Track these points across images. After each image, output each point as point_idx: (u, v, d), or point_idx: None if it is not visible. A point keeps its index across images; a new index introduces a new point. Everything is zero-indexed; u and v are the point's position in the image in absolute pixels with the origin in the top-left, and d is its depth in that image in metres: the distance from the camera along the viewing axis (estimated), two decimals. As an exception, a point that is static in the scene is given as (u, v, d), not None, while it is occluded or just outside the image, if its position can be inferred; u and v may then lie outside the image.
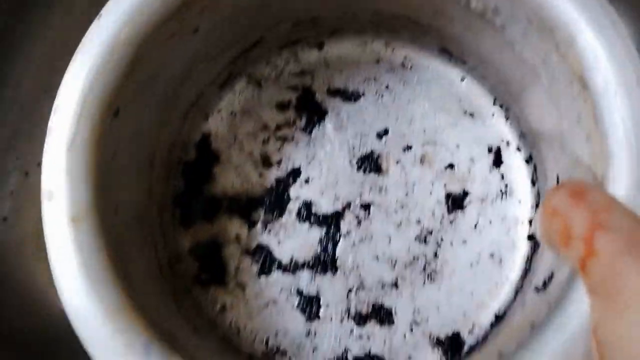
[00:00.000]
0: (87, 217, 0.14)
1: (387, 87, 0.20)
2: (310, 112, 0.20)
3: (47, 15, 0.19)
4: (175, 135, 0.19)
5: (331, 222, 0.20)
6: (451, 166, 0.20)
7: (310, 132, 0.20)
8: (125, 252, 0.15)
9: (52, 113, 0.14)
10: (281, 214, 0.20)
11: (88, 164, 0.14)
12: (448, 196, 0.19)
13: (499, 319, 0.18)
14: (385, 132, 0.20)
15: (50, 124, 0.14)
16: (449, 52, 0.20)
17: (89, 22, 0.14)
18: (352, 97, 0.20)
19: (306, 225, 0.20)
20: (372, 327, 0.19)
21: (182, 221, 0.19)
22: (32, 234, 0.19)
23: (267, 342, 0.19)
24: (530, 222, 0.19)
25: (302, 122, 0.20)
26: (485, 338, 0.18)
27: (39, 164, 0.14)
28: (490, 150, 0.20)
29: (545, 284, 0.16)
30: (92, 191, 0.14)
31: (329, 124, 0.20)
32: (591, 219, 0.10)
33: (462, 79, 0.20)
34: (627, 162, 0.12)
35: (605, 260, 0.09)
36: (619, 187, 0.12)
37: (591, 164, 0.14)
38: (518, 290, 0.19)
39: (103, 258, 0.14)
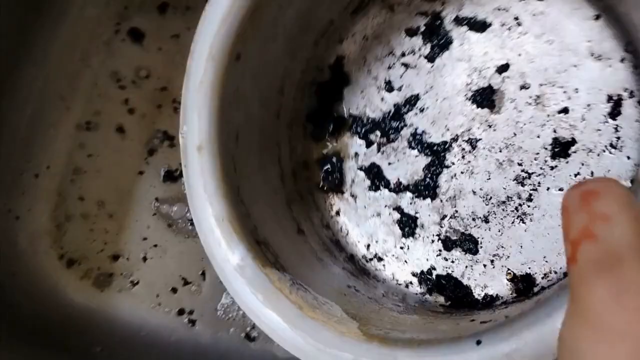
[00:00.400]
0: (208, 146, 0.19)
1: (516, 19, 0.23)
2: (436, 40, 0.23)
3: (58, 24, 0.20)
4: (308, 59, 0.23)
5: (438, 151, 0.24)
6: (565, 110, 0.23)
7: (433, 61, 0.24)
8: (242, 171, 0.21)
9: (189, 57, 0.19)
10: (395, 138, 0.24)
11: (211, 102, 0.19)
12: (555, 141, 0.23)
13: None
14: (505, 67, 0.23)
15: (187, 66, 0.19)
16: (591, -11, 0.21)
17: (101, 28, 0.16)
18: (479, 27, 0.23)
19: (415, 151, 0.24)
20: (457, 252, 0.25)
21: (313, 135, 0.24)
22: (42, 231, 0.20)
23: (368, 247, 0.25)
24: (632, 181, 0.22)
25: (427, 50, 0.24)
26: (557, 284, 0.23)
27: (49, 167, 0.17)
28: (610, 99, 0.23)
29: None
30: (214, 124, 0.19)
31: (452, 54, 0.24)
32: (586, 225, 0.10)
33: (597, 17, 0.22)
34: None
35: (579, 271, 0.09)
36: None
37: None
38: None
39: (217, 177, 0.20)
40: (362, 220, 0.27)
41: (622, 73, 0.23)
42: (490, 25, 0.24)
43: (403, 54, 0.25)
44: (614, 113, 0.24)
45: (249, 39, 0.19)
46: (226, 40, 0.18)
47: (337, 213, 0.26)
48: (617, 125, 0.24)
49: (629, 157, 0.24)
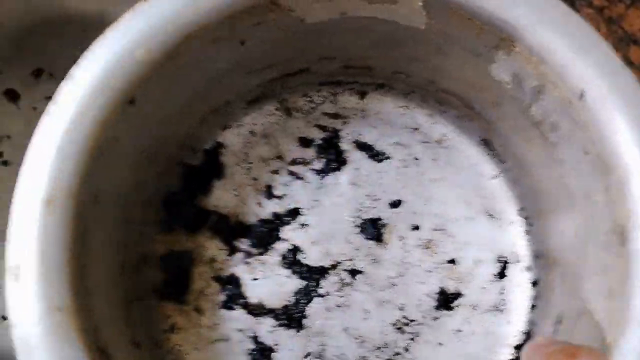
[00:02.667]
0: (62, 202, 0.24)
1: (415, 158, 0.37)
2: (330, 157, 0.37)
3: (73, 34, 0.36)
4: (187, 135, 0.35)
5: (313, 277, 0.35)
6: (453, 261, 0.36)
7: (323, 178, 0.37)
8: (92, 245, 0.27)
9: (63, 82, 0.26)
10: (265, 251, 0.35)
11: (85, 143, 0.25)
12: (441, 291, 0.35)
13: None
14: (398, 203, 0.36)
15: (56, 94, 0.26)
16: (491, 146, 0.37)
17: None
18: (377, 156, 0.37)
19: (287, 271, 0.35)
20: None
21: (163, 224, 0.35)
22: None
23: None
24: (516, 347, 0.34)
25: (319, 165, 0.37)
26: None
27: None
28: (498, 259, 0.36)
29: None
30: (78, 175, 0.25)
31: (345, 176, 0.37)
32: None
33: (495, 177, 0.37)
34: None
35: None
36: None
37: (602, 321, 0.25)
38: None
39: (64, 247, 0.24)
40: (203, 344, 0.35)
41: (513, 235, 0.37)
42: (388, 158, 0.37)
43: (293, 162, 0.37)
44: (502, 274, 0.37)
45: (151, 85, 0.26)
46: (126, 76, 0.25)
47: (172, 329, 0.34)
48: (503, 287, 0.37)
49: (510, 322, 0.36)
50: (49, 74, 0.36)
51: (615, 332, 0.24)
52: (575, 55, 0.25)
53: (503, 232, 0.35)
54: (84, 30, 0.35)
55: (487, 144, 0.35)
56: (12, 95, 0.35)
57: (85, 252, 0.26)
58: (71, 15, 0.34)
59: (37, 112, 0.34)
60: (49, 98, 0.30)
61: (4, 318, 0.32)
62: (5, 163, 0.35)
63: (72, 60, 0.32)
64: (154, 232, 0.34)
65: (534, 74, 0.27)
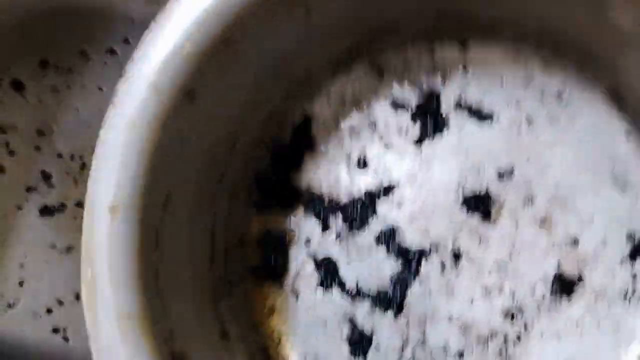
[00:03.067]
0: (126, 208, 0.26)
1: (528, 117, 0.35)
2: (428, 121, 0.36)
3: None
4: (271, 113, 0.36)
5: (412, 258, 0.35)
6: (575, 241, 0.34)
7: (421, 146, 0.36)
8: (167, 247, 0.28)
9: (121, 81, 0.27)
10: (361, 231, 0.36)
11: (143, 147, 0.26)
12: (558, 276, 0.34)
13: None
14: (510, 172, 0.35)
15: (114, 94, 0.27)
16: (622, 98, 0.33)
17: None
18: (484, 117, 0.35)
19: (383, 252, 0.36)
20: None
21: (257, 205, 0.37)
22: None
23: None
24: None
25: (416, 132, 0.36)
26: None
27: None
28: (630, 237, 0.33)
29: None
30: (140, 179, 0.26)
31: (446, 143, 0.36)
32: None
33: (628, 137, 0.34)
34: None
35: None
36: None
37: None
38: None
39: (132, 253, 0.26)
40: (302, 327, 0.36)
41: None
42: (497, 118, 0.35)
43: (386, 130, 0.37)
44: (634, 256, 0.34)
45: (210, 75, 0.27)
46: (181, 69, 0.26)
47: (271, 311, 0.37)
48: (636, 272, 0.34)
49: None
50: (55, 65, 0.38)
51: None
52: None
53: (638, 206, 0.32)
54: (91, 22, 0.36)
55: (616, 97, 0.32)
56: (18, 86, 0.38)
57: (158, 255, 0.28)
58: (78, 6, 0.36)
59: (42, 104, 0.37)
60: (55, 89, 0.34)
61: (10, 306, 0.37)
62: (11, 153, 0.38)
63: (78, 51, 0.35)
64: (248, 214, 0.36)
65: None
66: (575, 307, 0.31)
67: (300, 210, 0.35)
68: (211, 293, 0.32)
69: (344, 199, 0.34)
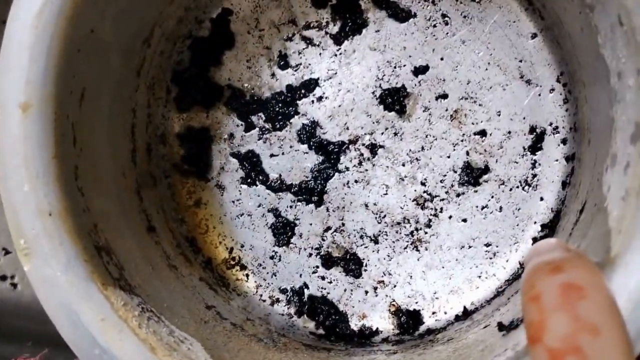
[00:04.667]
0: (40, 105, 0.25)
1: (444, 15, 0.35)
2: (348, 18, 0.36)
3: None
4: (187, 7, 0.35)
5: (332, 152, 0.36)
6: (483, 133, 0.35)
7: (341, 43, 0.36)
8: (84, 145, 0.28)
9: None
10: (282, 126, 0.36)
11: (52, 43, 0.24)
12: (467, 165, 0.35)
13: (467, 313, 0.36)
14: (424, 69, 0.35)
15: None
16: (530, 1, 0.34)
17: None
18: (401, 15, 0.35)
19: (305, 146, 0.36)
20: (337, 272, 0.36)
21: (178, 101, 0.36)
22: None
23: (230, 251, 0.37)
24: (542, 238, 0.35)
25: (335, 28, 0.36)
26: (445, 328, 0.36)
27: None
28: (533, 130, 0.35)
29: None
30: (53, 76, 0.25)
31: (364, 40, 0.36)
32: (571, 334, 0.16)
33: (534, 36, 0.35)
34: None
35: None
36: (627, 280, 0.22)
37: (613, 228, 0.24)
38: (499, 293, 0.36)
39: (48, 151, 0.25)
40: (228, 218, 0.38)
41: (550, 105, 0.35)
42: (414, 16, 0.35)
43: (307, 26, 0.34)
44: (535, 147, 0.35)
45: None
46: None
47: (197, 204, 0.37)
48: (535, 160, 0.36)
49: (542, 198, 0.36)
50: None
51: (622, 242, 0.24)
52: None
53: (540, 101, 0.34)
54: None
55: (526, 0, 0.32)
56: None
57: (76, 152, 0.27)
58: None
59: None
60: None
61: (3, 278, 0.38)
62: None
63: None
64: (170, 111, 0.35)
65: None
66: (481, 194, 0.33)
67: (221, 107, 0.34)
68: (135, 188, 0.32)
69: (265, 94, 0.34)
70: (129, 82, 0.32)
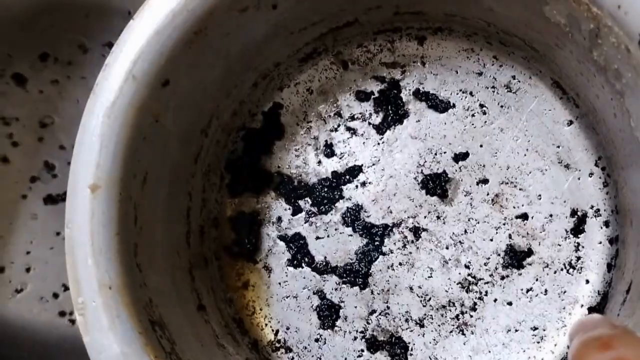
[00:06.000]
0: (107, 186, 0.27)
1: (482, 105, 0.36)
2: (390, 110, 0.38)
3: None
4: (242, 101, 0.37)
5: (376, 235, 0.37)
6: (524, 216, 0.35)
7: (383, 133, 0.37)
8: (143, 224, 0.30)
9: (102, 71, 0.28)
10: (328, 210, 0.37)
11: (122, 130, 0.27)
12: (510, 248, 0.35)
13: None
14: (465, 156, 0.36)
15: (96, 83, 0.28)
16: (563, 89, 0.35)
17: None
18: (440, 106, 0.37)
19: (349, 230, 0.37)
20: (382, 357, 0.36)
21: (230, 187, 0.38)
22: None
23: (276, 333, 0.37)
24: (590, 309, 0.34)
25: (378, 119, 0.38)
26: None
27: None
28: (574, 213, 0.35)
29: None
30: (120, 159, 0.27)
31: (406, 129, 0.37)
32: None
33: (570, 123, 0.36)
34: None
35: None
36: None
37: None
38: None
39: (112, 229, 0.27)
40: (274, 300, 0.38)
41: (590, 188, 0.35)
42: (453, 106, 0.36)
43: (351, 118, 0.37)
44: (577, 230, 0.36)
45: (183, 63, 0.29)
46: (156, 59, 0.28)
47: (245, 286, 0.38)
48: (578, 243, 0.36)
49: (587, 281, 0.35)
50: (54, 58, 0.39)
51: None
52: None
53: (580, 184, 0.34)
54: (87, 16, 0.38)
55: (559, 87, 0.34)
56: (20, 79, 0.38)
57: (137, 230, 0.29)
58: (77, 1, 0.37)
59: (43, 95, 0.38)
60: (54, 81, 0.34)
61: (18, 291, 0.38)
62: (15, 144, 0.39)
63: (76, 44, 0.36)
64: (222, 196, 0.37)
65: (587, 17, 0.25)
66: (525, 276, 0.33)
67: (271, 192, 0.36)
68: (187, 268, 0.33)
69: (312, 180, 0.35)
70: (187, 168, 0.33)
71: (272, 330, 0.36)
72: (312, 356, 0.36)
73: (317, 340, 0.36)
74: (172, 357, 0.28)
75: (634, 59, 0.24)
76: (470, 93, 0.36)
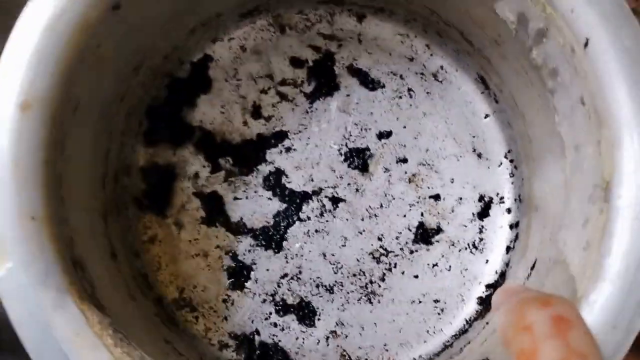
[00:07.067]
0: (40, 105, 0.25)
1: (409, 89, 0.38)
2: (322, 80, 0.38)
3: None
4: (175, 47, 0.36)
5: (295, 201, 0.37)
6: (437, 197, 0.38)
7: (313, 102, 0.38)
8: (71, 154, 0.28)
9: None
10: (249, 172, 0.37)
11: (65, 47, 0.25)
12: (420, 225, 0.37)
13: None
14: (388, 134, 0.38)
15: None
16: (487, 84, 0.38)
17: None
18: (371, 84, 0.38)
19: (269, 193, 0.37)
20: (290, 320, 0.36)
21: (147, 136, 0.36)
22: None
23: (181, 291, 0.36)
24: (487, 297, 0.37)
25: (310, 88, 0.38)
26: None
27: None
28: (481, 198, 0.38)
29: None
30: (59, 78, 0.25)
31: (335, 102, 0.38)
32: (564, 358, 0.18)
33: (487, 116, 0.38)
34: (617, 295, 0.24)
35: None
36: (595, 317, 0.24)
37: (576, 274, 0.27)
38: (447, 347, 0.37)
39: (39, 155, 0.25)
40: (182, 257, 0.37)
41: (498, 177, 0.39)
42: (383, 86, 0.38)
43: (282, 82, 0.37)
44: (483, 214, 0.39)
45: None
46: None
47: (151, 240, 0.36)
48: (482, 226, 0.39)
49: (487, 261, 0.38)
50: None
51: (587, 286, 0.26)
52: (584, 1, 0.26)
53: (489, 173, 0.37)
54: None
55: (483, 82, 0.36)
56: None
57: (63, 160, 0.27)
58: None
59: None
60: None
61: None
62: None
63: None
64: (137, 144, 0.35)
65: (540, 16, 0.28)
66: (433, 252, 0.35)
67: (189, 147, 0.35)
68: (102, 212, 0.31)
69: (235, 140, 0.35)
70: (113, 105, 0.32)
71: (177, 288, 0.35)
72: (218, 317, 0.35)
73: (224, 301, 0.35)
74: (94, 300, 0.26)
75: (577, 59, 0.27)
76: (401, 76, 0.37)
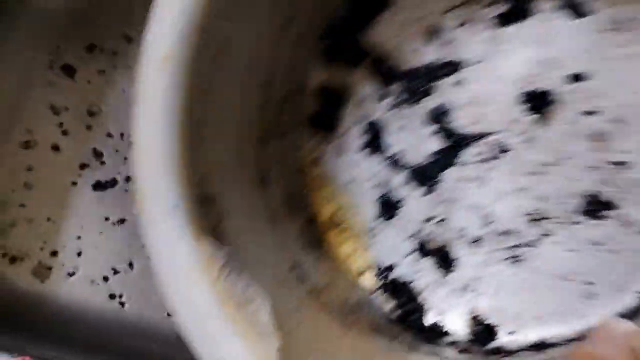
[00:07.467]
0: (178, 57, 0.25)
1: (629, 20, 0.30)
2: (514, 2, 0.32)
3: None
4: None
5: (456, 142, 0.34)
6: (622, 165, 0.31)
7: (499, 28, 0.32)
8: (214, 99, 0.28)
9: None
10: (416, 102, 0.35)
11: None
12: (593, 195, 0.31)
13: (543, 345, 0.32)
14: (581, 77, 0.31)
15: None
16: None
17: None
18: (577, 9, 0.31)
19: (431, 129, 0.35)
20: (427, 263, 0.35)
21: (327, 54, 0.36)
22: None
23: (334, 213, 0.37)
24: None
25: (498, 10, 0.32)
26: (515, 352, 0.32)
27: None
28: None
29: None
30: (195, 30, 0.25)
31: (526, 30, 0.32)
32: None
33: None
34: None
35: None
36: None
37: None
38: (582, 337, 0.31)
39: (179, 99, 0.25)
40: (339, 181, 0.37)
41: None
42: (591, 14, 0.30)
43: (466, 2, 0.33)
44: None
45: None
46: None
47: (314, 161, 0.37)
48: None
49: None
50: (100, 48, 0.39)
51: None
52: None
53: None
54: (131, 6, 0.38)
55: None
56: (69, 70, 0.40)
57: (209, 101, 0.29)
58: None
59: (91, 85, 0.39)
60: (101, 71, 0.37)
61: (70, 275, 0.40)
62: (65, 133, 0.40)
63: (121, 35, 0.38)
64: (312, 63, 0.36)
65: None
66: (599, 229, 0.30)
67: (363, 69, 0.34)
68: (256, 138, 0.33)
69: (407, 66, 0.33)
70: (275, 37, 0.33)
71: (331, 210, 0.36)
72: (362, 244, 0.36)
73: (370, 230, 0.35)
74: (216, 232, 0.28)
75: None
76: (615, 3, 0.30)
